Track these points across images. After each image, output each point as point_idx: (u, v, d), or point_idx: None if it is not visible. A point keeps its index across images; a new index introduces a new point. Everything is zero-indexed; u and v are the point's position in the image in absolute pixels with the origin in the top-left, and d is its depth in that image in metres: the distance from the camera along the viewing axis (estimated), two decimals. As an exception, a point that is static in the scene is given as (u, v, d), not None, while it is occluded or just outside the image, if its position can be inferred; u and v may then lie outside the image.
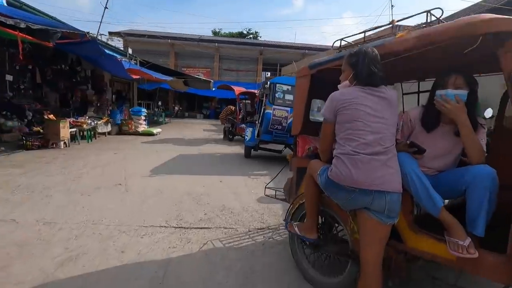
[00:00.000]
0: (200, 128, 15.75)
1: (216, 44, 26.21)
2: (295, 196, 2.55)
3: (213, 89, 15.87)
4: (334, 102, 1.64)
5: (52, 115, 7.43)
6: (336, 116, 1.64)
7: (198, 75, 21.84)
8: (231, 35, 40.15)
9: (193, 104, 28.56)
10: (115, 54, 8.49)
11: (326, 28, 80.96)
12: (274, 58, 27.72)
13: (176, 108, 25.92)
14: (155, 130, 11.46)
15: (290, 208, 2.38)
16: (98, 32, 9.46)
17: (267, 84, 6.00)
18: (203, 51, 26.43)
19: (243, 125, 10.21)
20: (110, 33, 26.11)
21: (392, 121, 1.61)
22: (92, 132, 9.07)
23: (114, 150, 7.42)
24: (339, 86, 1.80)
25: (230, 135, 10.95)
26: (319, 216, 2.12)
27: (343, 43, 2.48)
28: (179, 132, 12.90)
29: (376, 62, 1.64)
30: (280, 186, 3.15)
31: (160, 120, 17.81)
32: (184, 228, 3.06)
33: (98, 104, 10.98)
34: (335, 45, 2.55)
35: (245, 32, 43.06)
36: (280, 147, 7.37)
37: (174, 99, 26.95)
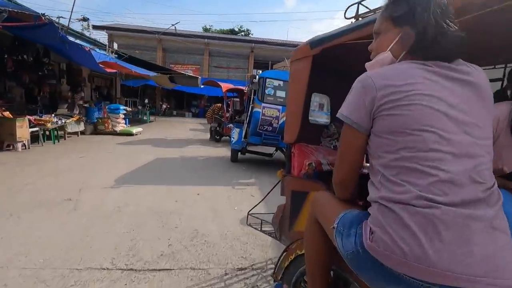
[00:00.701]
0: (186, 128, 14.81)
1: (206, 40, 25.22)
2: (289, 236, 1.74)
3: (201, 86, 14.97)
4: (370, 91, 0.83)
5: (7, 112, 6.43)
6: (374, 120, 0.84)
7: (187, 72, 20.90)
8: (222, 32, 39.18)
9: (181, 102, 27.55)
10: (85, 44, 7.48)
11: (317, 27, 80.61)
12: (266, 55, 26.92)
13: (164, 106, 24.87)
14: (135, 129, 10.49)
15: (282, 259, 1.55)
16: (69, 19, 8.44)
17: (255, 78, 5.18)
18: (192, 47, 25.40)
19: (231, 125, 9.38)
20: (95, 27, 24.85)
21: (488, 129, 0.81)
22: (60, 132, 8.09)
23: (81, 153, 6.48)
24: (370, 63, 0.99)
25: (217, 136, 10.10)
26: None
27: (362, 9, 1.67)
28: (162, 132, 11.95)
29: (448, 13, 0.84)
30: (270, 207, 2.33)
31: (144, 118, 16.80)
32: (135, 271, 2.20)
33: (69, 101, 9.94)
34: (349, 13, 1.73)
35: (236, 29, 42.17)
36: (271, 149, 6.57)
37: (161, 97, 25.86)
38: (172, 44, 24.84)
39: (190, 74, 16.95)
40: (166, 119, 20.76)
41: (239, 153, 6.49)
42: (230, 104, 10.34)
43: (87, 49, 7.10)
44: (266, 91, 5.39)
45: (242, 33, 40.65)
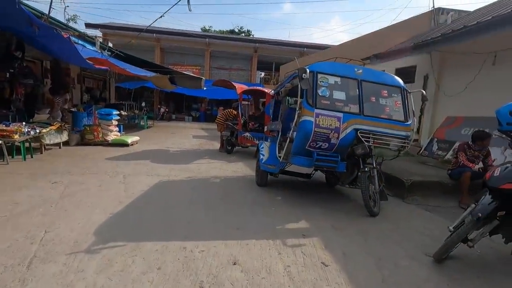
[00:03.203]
0: (188, 134, 13.11)
1: (207, 39, 23.61)
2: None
3: (205, 88, 13.29)
4: None
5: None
6: None
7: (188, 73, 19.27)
8: (222, 33, 37.62)
9: (181, 105, 25.86)
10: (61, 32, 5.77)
11: (315, 31, 79.43)
12: (270, 56, 25.38)
13: (162, 109, 23.12)
14: (131, 138, 8.79)
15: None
16: (50, 7, 6.79)
17: (305, 73, 3.54)
18: (192, 47, 23.81)
19: (248, 134, 7.72)
20: (87, 25, 23.17)
21: None
22: (37, 144, 6.39)
23: (55, 175, 4.79)
24: None
25: (229, 146, 8.43)
26: None
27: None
28: (162, 141, 10.25)
29: None
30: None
31: (141, 124, 15.08)
32: None
33: (50, 105, 8.24)
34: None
35: (236, 30, 40.67)
36: (309, 170, 4.94)
37: (159, 100, 24.15)
38: (171, 44, 23.21)
39: (193, 74, 15.30)
40: (165, 123, 19.07)
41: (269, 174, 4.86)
42: (245, 108, 8.72)
43: (65, 35, 5.41)
44: (319, 92, 3.75)
45: (243, 34, 39.15)
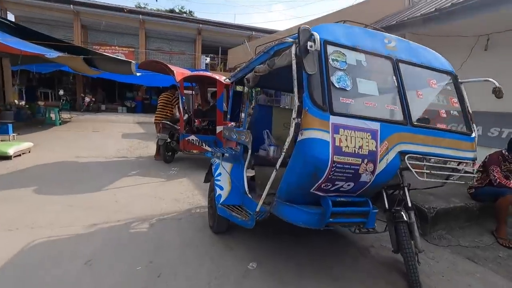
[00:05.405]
0: (117, 132, 10.30)
1: (141, 16, 20.05)
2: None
3: (138, 74, 10.55)
4: None
5: None
6: None
7: (118, 56, 15.84)
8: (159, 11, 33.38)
9: (113, 94, 21.99)
10: None
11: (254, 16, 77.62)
12: (216, 39, 22.89)
13: (87, 99, 19.10)
14: (16, 146, 5.94)
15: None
16: None
17: (312, 41, 1.68)
18: (123, 25, 20.02)
19: (193, 138, 5.62)
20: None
21: None
22: None
23: None
24: None
25: (168, 152, 6.21)
26: None
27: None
28: (73, 145, 7.46)
29: None
30: None
31: (51, 118, 11.58)
32: None
33: None
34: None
35: (177, 10, 36.68)
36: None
37: (84, 87, 20.01)
38: (95, 20, 19.09)
39: (119, 58, 12.27)
40: (90, 116, 15.54)
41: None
42: (189, 100, 6.51)
43: None
44: (335, 80, 1.89)
45: (185, 15, 35.42)
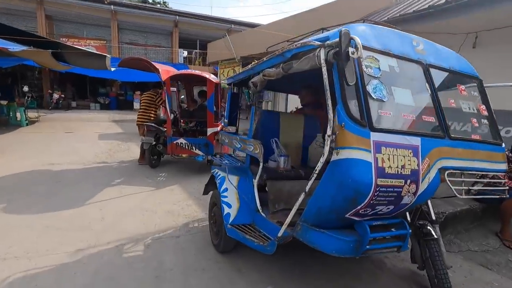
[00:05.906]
0: (93, 133, 9.57)
1: (112, 7, 18.84)
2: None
3: (112, 68, 9.80)
4: None
5: None
6: None
7: (88, 49, 14.74)
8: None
9: (84, 90, 20.62)
10: None
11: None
12: (193, 33, 22.08)
13: (56, 96, 17.76)
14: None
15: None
16: None
17: (354, 47, 1.42)
18: (93, 16, 18.73)
19: (182, 141, 5.25)
20: None
21: None
22: None
23: None
24: None
25: (154, 156, 5.76)
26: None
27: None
28: (44, 150, 6.77)
29: None
30: None
31: (17, 118, 10.57)
32: None
33: None
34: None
35: (151, 0, 35.02)
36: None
37: (51, 83, 18.60)
38: (61, 10, 17.68)
39: (93, 51, 11.38)
40: (60, 115, 14.49)
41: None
42: (173, 99, 6.07)
43: None
44: (371, 90, 1.65)
45: (159, 5, 33.90)
